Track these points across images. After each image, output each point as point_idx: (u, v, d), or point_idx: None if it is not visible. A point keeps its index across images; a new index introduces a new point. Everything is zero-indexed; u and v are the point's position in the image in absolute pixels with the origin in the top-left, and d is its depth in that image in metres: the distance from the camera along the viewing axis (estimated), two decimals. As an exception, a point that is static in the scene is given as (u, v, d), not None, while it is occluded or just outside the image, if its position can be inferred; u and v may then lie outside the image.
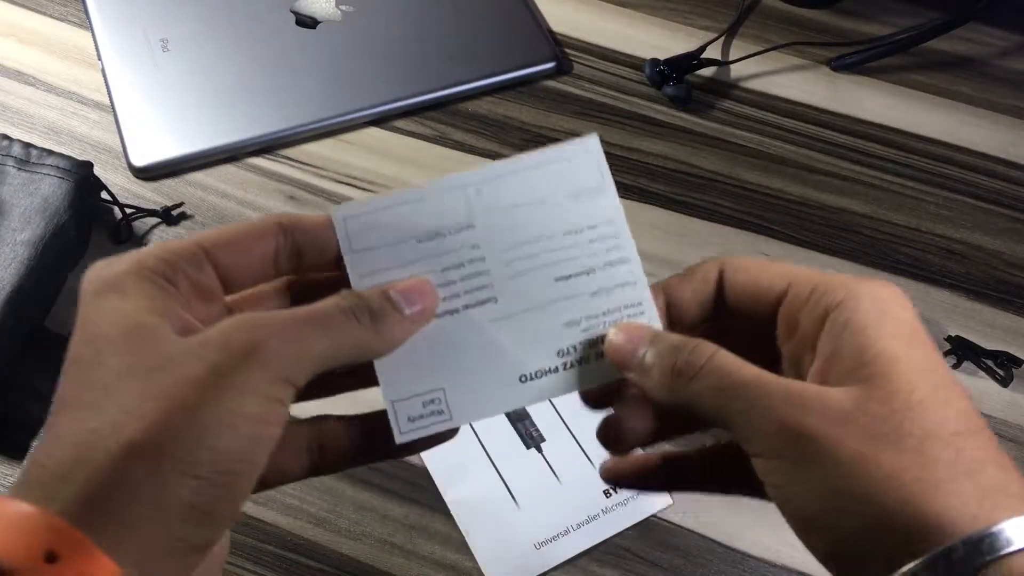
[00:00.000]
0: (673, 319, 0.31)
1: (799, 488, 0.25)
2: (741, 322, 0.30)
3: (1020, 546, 0.23)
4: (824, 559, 0.26)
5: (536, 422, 0.51)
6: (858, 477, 0.24)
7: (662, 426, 0.31)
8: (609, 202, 0.32)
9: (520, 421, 0.51)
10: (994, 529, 0.23)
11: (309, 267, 0.30)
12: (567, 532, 0.48)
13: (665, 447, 0.33)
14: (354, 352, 0.28)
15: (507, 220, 0.31)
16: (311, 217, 0.30)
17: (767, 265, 0.30)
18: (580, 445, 0.50)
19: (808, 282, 0.28)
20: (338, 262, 0.30)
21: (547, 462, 0.50)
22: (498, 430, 0.50)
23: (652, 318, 0.31)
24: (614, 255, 0.32)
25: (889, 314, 0.27)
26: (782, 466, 0.26)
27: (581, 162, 0.32)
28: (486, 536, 0.47)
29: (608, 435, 0.31)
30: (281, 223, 0.29)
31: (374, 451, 0.30)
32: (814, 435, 0.25)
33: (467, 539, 0.47)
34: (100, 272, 0.27)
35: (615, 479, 0.34)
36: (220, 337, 0.25)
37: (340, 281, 0.30)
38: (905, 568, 0.23)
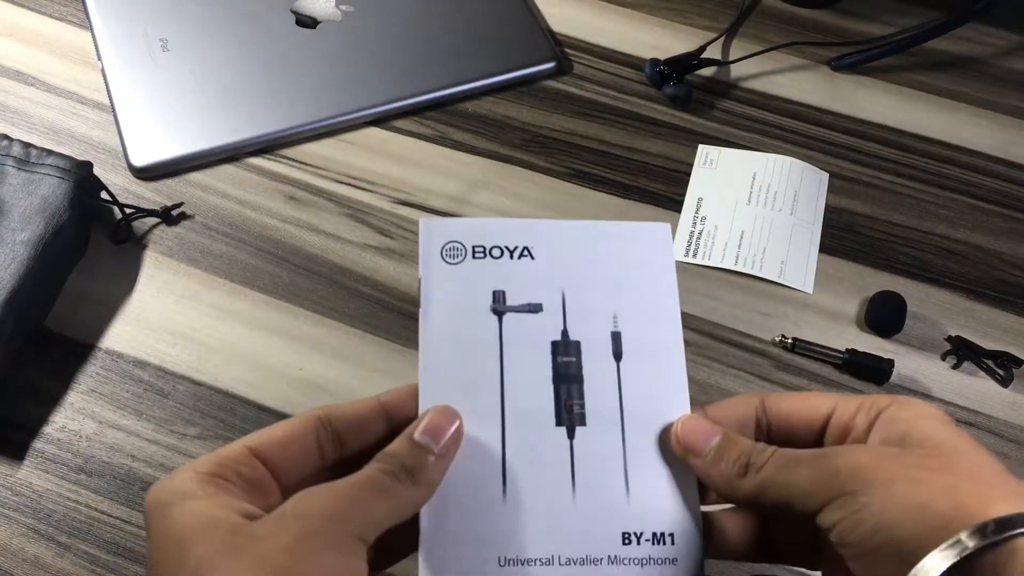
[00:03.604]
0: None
1: (860, 515, 0.28)
2: (787, 444, 0.33)
3: None
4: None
5: (587, 396, 0.35)
6: (915, 492, 0.28)
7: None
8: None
9: (568, 383, 0.35)
10: None
11: (351, 452, 0.33)
12: (548, 563, 0.33)
13: None
14: (409, 509, 0.31)
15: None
16: (348, 406, 0.33)
17: (807, 393, 0.35)
18: (625, 457, 0.35)
19: (853, 400, 0.32)
20: (379, 445, 0.32)
21: (571, 457, 0.35)
22: (534, 377, 0.35)
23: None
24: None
25: (931, 414, 0.31)
26: (844, 501, 0.29)
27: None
28: (444, 520, 0.33)
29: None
30: (319, 417, 0.32)
31: None
32: (872, 466, 0.29)
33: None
34: (161, 486, 0.30)
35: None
36: (295, 509, 0.28)
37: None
38: (954, 539, 0.27)
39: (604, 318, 0.36)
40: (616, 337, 0.36)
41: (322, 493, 0.29)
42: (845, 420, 0.32)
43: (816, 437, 0.34)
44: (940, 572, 0.26)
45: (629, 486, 0.34)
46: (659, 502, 0.34)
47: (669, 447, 0.34)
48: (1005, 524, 0.27)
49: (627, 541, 0.34)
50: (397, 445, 0.32)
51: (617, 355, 0.36)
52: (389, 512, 0.30)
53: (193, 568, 0.27)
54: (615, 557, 0.33)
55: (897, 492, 0.28)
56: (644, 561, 0.33)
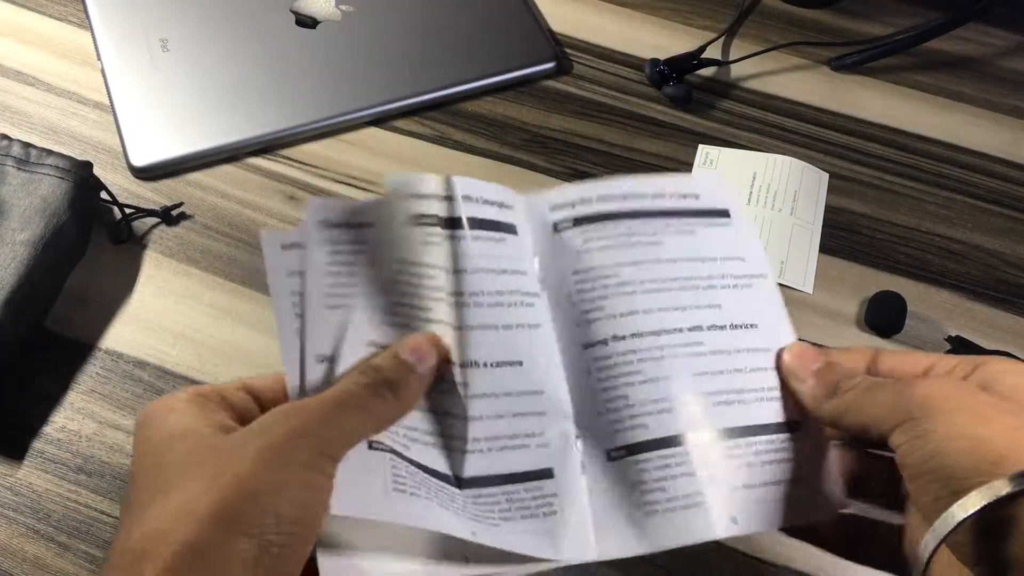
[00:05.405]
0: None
1: (921, 439, 0.29)
2: None
3: None
4: (931, 500, 0.29)
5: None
6: (977, 425, 0.29)
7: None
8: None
9: None
10: None
11: None
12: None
13: None
14: (382, 423, 0.31)
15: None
16: None
17: (913, 351, 0.37)
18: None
19: (952, 359, 0.34)
20: None
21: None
22: None
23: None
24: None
25: (1018, 369, 0.32)
26: (911, 425, 0.30)
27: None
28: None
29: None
30: None
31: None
32: (942, 396, 0.30)
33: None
34: (150, 404, 0.32)
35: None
36: (262, 423, 0.29)
37: None
38: (1001, 478, 0.27)
39: None
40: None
41: (289, 409, 0.30)
42: (943, 374, 0.33)
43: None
44: (981, 506, 0.27)
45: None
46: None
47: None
48: None
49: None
50: (382, 359, 0.32)
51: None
52: (361, 426, 0.31)
53: (162, 474, 0.29)
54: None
55: (960, 422, 0.29)
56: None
